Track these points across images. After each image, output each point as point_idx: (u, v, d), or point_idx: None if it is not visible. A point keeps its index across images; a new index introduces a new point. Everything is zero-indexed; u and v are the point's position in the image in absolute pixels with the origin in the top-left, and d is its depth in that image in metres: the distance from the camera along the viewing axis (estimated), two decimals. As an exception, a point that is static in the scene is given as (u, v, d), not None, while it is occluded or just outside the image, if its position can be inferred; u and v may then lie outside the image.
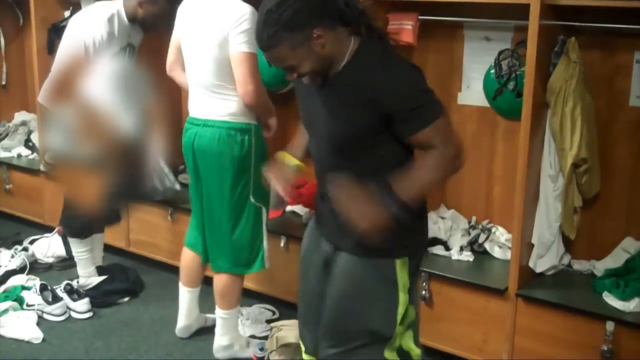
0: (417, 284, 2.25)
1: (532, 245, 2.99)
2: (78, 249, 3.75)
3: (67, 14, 4.44)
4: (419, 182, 1.99)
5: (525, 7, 2.77)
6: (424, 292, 3.05)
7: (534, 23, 2.75)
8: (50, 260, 4.14)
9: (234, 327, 3.18)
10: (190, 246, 3.26)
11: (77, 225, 3.69)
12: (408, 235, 2.08)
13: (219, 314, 3.14)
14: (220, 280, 3.10)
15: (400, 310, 2.11)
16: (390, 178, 1.96)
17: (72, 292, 3.61)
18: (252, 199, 3.00)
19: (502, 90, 3.13)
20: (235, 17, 2.82)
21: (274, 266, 3.22)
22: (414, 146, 2.02)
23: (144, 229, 4.08)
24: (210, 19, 2.87)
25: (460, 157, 2.01)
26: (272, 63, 1.99)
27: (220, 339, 3.16)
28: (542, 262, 3.00)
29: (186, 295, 3.32)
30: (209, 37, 2.87)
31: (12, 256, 4.02)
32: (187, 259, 3.28)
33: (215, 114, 2.95)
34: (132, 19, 3.35)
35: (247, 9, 2.83)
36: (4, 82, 5.03)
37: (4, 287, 3.72)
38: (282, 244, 3.48)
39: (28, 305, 3.54)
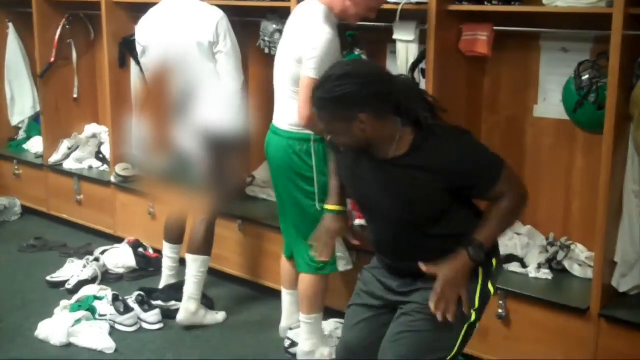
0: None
1: (615, 264, 2.88)
2: (203, 268, 3.59)
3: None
4: (498, 230, 2.17)
5: (607, 17, 2.68)
6: (500, 311, 2.97)
7: (617, 33, 2.66)
8: (121, 270, 4.18)
9: (316, 334, 3.19)
10: (284, 250, 3.34)
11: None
12: None
13: (301, 319, 3.19)
14: (302, 283, 3.16)
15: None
16: (470, 232, 2.11)
17: (143, 302, 3.64)
18: (317, 207, 3.00)
19: (583, 103, 3.02)
20: (313, 40, 2.88)
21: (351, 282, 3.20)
22: (484, 200, 2.15)
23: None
24: (295, 35, 2.99)
25: (527, 195, 2.16)
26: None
27: (303, 344, 3.20)
28: (626, 281, 2.88)
29: (285, 298, 3.39)
30: (290, 51, 2.99)
31: (84, 266, 4.08)
32: (283, 261, 3.36)
33: (281, 122, 3.08)
34: None
35: (327, 35, 2.88)
36: (75, 95, 5.13)
37: (76, 296, 3.77)
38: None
39: (100, 315, 3.58)
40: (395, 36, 3.32)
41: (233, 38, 3.42)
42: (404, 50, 3.30)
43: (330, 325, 3.42)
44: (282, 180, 3.12)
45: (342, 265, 3.20)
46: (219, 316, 3.68)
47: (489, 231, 2.11)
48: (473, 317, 2.16)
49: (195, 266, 3.55)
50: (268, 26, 3.81)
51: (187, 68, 3.40)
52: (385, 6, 3.15)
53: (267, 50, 3.84)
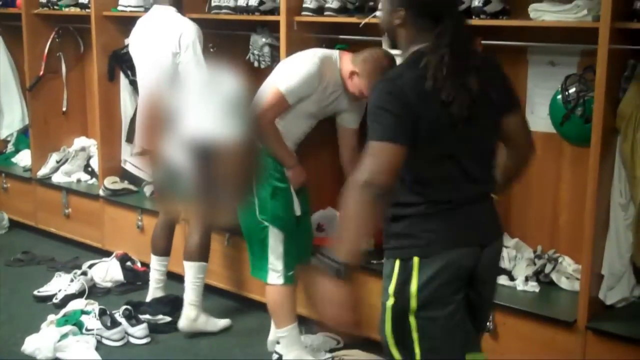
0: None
1: (602, 276, 2.89)
2: (201, 274, 3.62)
3: (126, 41, 4.52)
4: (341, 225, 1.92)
5: (593, 31, 2.70)
6: (488, 324, 2.97)
7: (603, 47, 2.68)
8: (109, 284, 4.16)
9: (295, 344, 3.22)
10: None
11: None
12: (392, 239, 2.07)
13: (277, 332, 3.27)
14: (268, 295, 3.23)
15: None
16: None
17: (130, 317, 3.61)
18: (258, 217, 3.11)
19: (570, 116, 3.05)
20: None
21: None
22: None
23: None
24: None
25: (365, 190, 1.86)
26: None
27: (287, 356, 3.22)
28: (613, 293, 2.89)
29: None
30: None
31: (72, 280, 4.05)
32: None
33: None
34: None
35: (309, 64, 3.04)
36: (64, 108, 5.12)
37: (63, 311, 3.74)
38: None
39: (87, 330, 3.55)
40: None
41: (198, 50, 3.48)
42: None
43: (318, 339, 3.41)
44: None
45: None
46: (222, 322, 3.68)
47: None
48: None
49: (192, 273, 3.57)
50: (258, 40, 3.82)
51: (171, 78, 3.45)
52: (376, 20, 3.18)
53: (256, 64, 3.86)
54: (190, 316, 3.56)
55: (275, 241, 3.12)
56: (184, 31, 3.47)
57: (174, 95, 3.43)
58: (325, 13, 3.48)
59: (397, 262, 2.03)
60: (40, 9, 4.89)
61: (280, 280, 3.16)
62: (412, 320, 2.01)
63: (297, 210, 3.16)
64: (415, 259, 2.00)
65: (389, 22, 2.08)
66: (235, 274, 3.91)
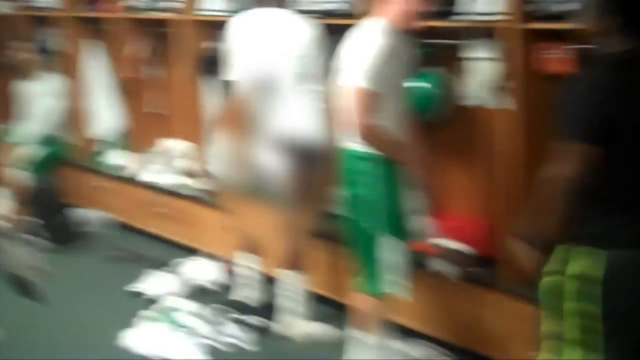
0: None
1: None
2: (298, 281, 3.59)
3: (212, 44, 4.61)
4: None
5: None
6: None
7: None
8: (200, 283, 4.24)
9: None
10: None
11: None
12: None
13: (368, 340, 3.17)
14: (363, 304, 3.15)
15: None
16: None
17: (233, 319, 3.68)
18: (365, 223, 3.01)
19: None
20: (367, 50, 2.92)
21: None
22: None
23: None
24: (352, 51, 3.02)
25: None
26: None
27: None
28: None
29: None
30: (348, 67, 3.04)
31: (165, 278, 4.18)
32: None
33: (345, 137, 3.08)
34: None
35: (380, 48, 2.90)
36: (156, 110, 5.26)
37: (158, 307, 3.86)
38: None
39: (180, 327, 3.63)
40: (471, 54, 3.31)
41: (322, 51, 3.41)
42: (482, 68, 3.30)
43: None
44: (343, 197, 3.13)
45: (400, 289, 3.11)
46: (329, 330, 3.61)
47: None
48: None
49: (290, 281, 3.57)
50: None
51: (274, 79, 3.41)
52: (458, 24, 3.15)
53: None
54: (295, 325, 3.56)
55: (384, 249, 3.01)
56: (312, 33, 3.39)
57: (268, 97, 3.44)
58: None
59: None
60: (130, 13, 5.06)
61: (387, 290, 3.05)
62: None
63: (408, 216, 3.05)
64: None
65: (596, 27, 2.22)
66: (334, 280, 3.87)
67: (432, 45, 3.50)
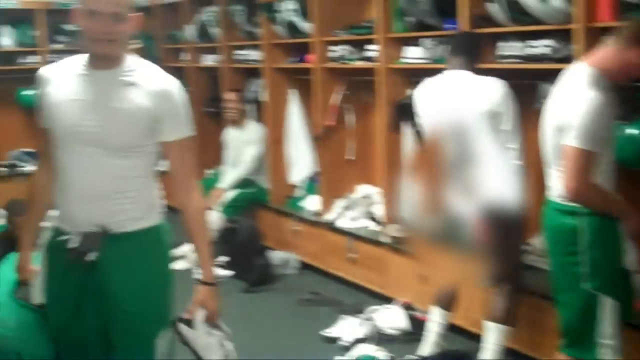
0: None
1: None
2: (503, 337, 3.47)
3: (410, 92, 4.62)
4: None
5: None
6: None
7: None
8: (393, 331, 4.21)
9: None
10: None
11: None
12: None
13: None
14: None
15: None
16: None
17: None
18: (586, 287, 2.82)
19: None
20: (577, 106, 2.77)
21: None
22: None
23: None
24: (559, 102, 2.91)
25: None
26: None
27: None
28: None
29: None
30: (552, 119, 2.91)
31: (359, 324, 4.18)
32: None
33: (550, 192, 2.96)
34: None
35: (593, 101, 2.73)
36: (350, 157, 5.36)
37: (352, 354, 3.85)
38: None
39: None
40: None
41: (514, 109, 3.45)
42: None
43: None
44: (552, 254, 2.97)
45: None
46: None
47: None
48: None
49: (493, 335, 3.44)
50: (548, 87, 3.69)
51: (465, 130, 3.40)
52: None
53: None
54: None
55: (607, 310, 2.81)
56: (505, 90, 3.46)
57: (462, 146, 3.41)
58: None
59: None
60: (330, 63, 5.21)
61: (613, 356, 2.84)
62: None
63: (631, 273, 2.85)
64: None
65: None
66: (523, 334, 3.71)
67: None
